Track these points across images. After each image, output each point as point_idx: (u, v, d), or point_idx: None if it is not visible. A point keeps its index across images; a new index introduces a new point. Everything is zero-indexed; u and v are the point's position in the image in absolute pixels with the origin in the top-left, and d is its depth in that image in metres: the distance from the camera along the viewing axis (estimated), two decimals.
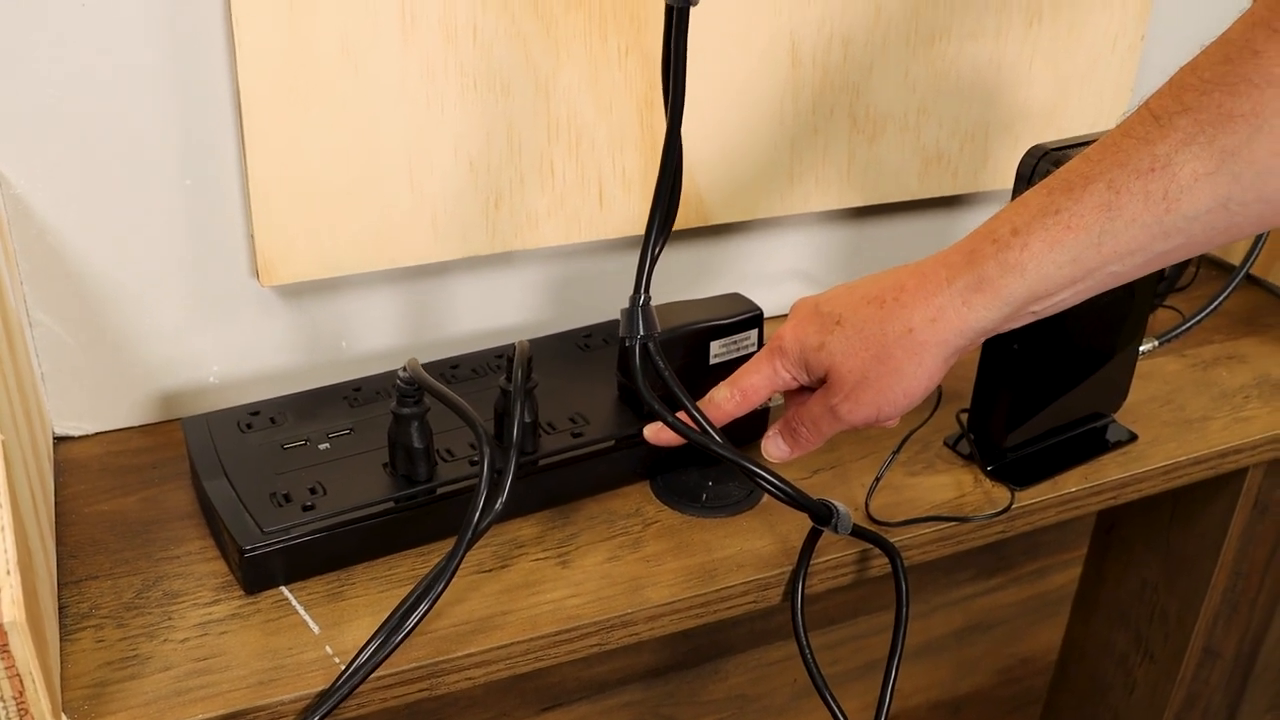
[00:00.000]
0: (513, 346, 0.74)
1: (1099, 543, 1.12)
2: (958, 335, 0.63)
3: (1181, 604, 1.03)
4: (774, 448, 0.71)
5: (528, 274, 0.89)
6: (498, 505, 0.67)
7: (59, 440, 0.81)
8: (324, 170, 0.77)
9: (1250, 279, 1.13)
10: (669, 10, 0.61)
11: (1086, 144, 0.70)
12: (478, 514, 0.64)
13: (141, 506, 0.76)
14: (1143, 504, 1.02)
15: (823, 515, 0.70)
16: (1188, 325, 0.95)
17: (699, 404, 0.70)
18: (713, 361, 0.79)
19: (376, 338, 0.86)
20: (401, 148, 0.79)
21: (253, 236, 0.78)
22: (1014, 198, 0.75)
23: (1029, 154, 0.76)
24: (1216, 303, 0.97)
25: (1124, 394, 0.89)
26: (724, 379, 0.73)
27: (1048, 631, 1.19)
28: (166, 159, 0.75)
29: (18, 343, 0.70)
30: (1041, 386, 0.82)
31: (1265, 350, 1.02)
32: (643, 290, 0.66)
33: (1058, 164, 0.72)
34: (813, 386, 0.69)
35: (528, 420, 0.74)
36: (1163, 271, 1.05)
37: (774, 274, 0.97)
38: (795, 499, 0.68)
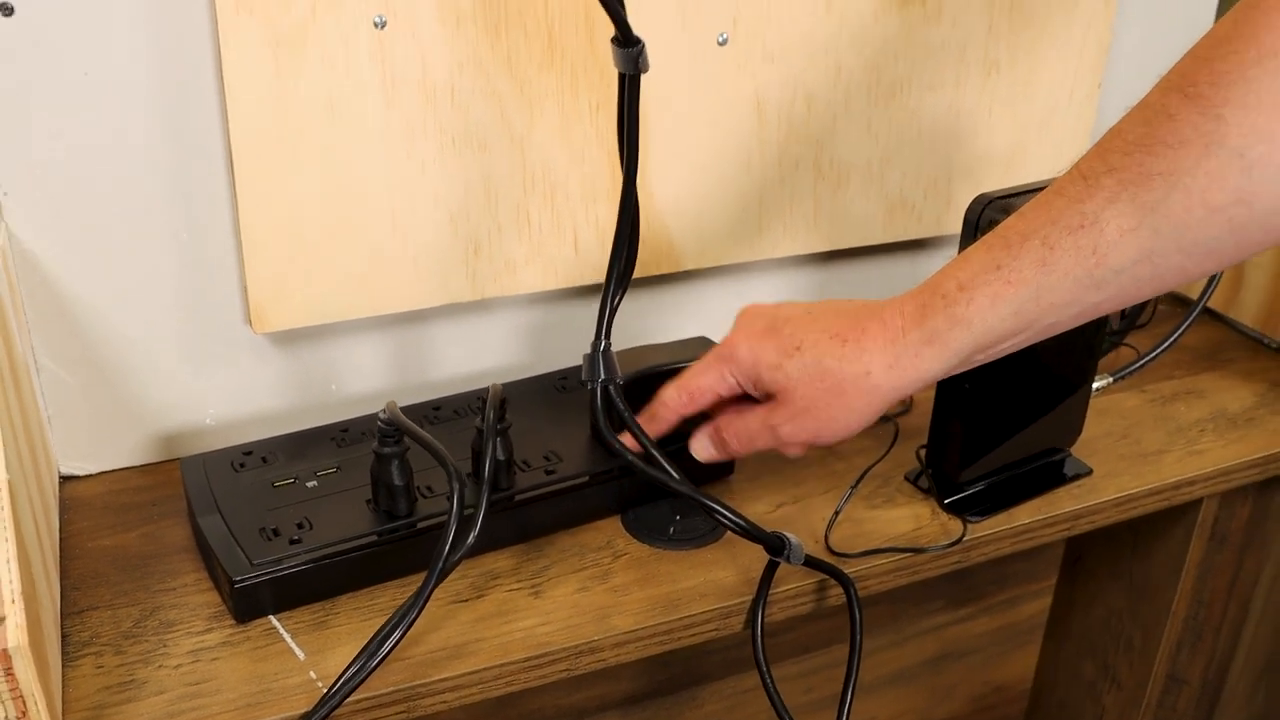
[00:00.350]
0: (489, 389, 0.79)
1: (1067, 573, 1.15)
2: (910, 383, 0.68)
3: (1145, 632, 1.07)
4: (702, 449, 0.77)
5: (508, 319, 0.94)
6: (470, 539, 0.71)
7: (65, 479, 0.86)
8: (312, 224, 0.82)
9: (1213, 315, 1.17)
10: (621, 77, 0.66)
11: (1031, 192, 0.75)
12: (447, 547, 0.68)
13: (141, 541, 0.81)
14: (1106, 535, 1.07)
15: (776, 547, 0.74)
16: (1141, 363, 0.99)
17: (648, 407, 0.74)
18: None
19: (364, 381, 0.91)
20: (385, 201, 0.84)
21: (245, 286, 0.83)
22: (962, 242, 0.81)
23: (975, 201, 0.80)
24: (1170, 340, 1.01)
25: (1079, 429, 0.93)
26: (688, 418, 0.77)
27: (1021, 660, 1.23)
28: (164, 214, 0.80)
29: (25, 387, 0.75)
30: (994, 424, 0.86)
31: (1224, 385, 1.06)
32: (603, 337, 0.71)
33: (1005, 211, 0.77)
34: (756, 398, 0.73)
35: (501, 458, 0.78)
36: (1123, 309, 1.09)
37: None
38: (749, 531, 0.73)
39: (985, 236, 0.67)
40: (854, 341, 0.69)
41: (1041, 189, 0.74)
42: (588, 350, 0.75)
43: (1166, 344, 1.02)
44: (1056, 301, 0.64)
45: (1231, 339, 1.14)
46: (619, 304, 0.71)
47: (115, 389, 0.84)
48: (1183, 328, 1.02)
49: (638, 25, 0.81)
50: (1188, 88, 0.58)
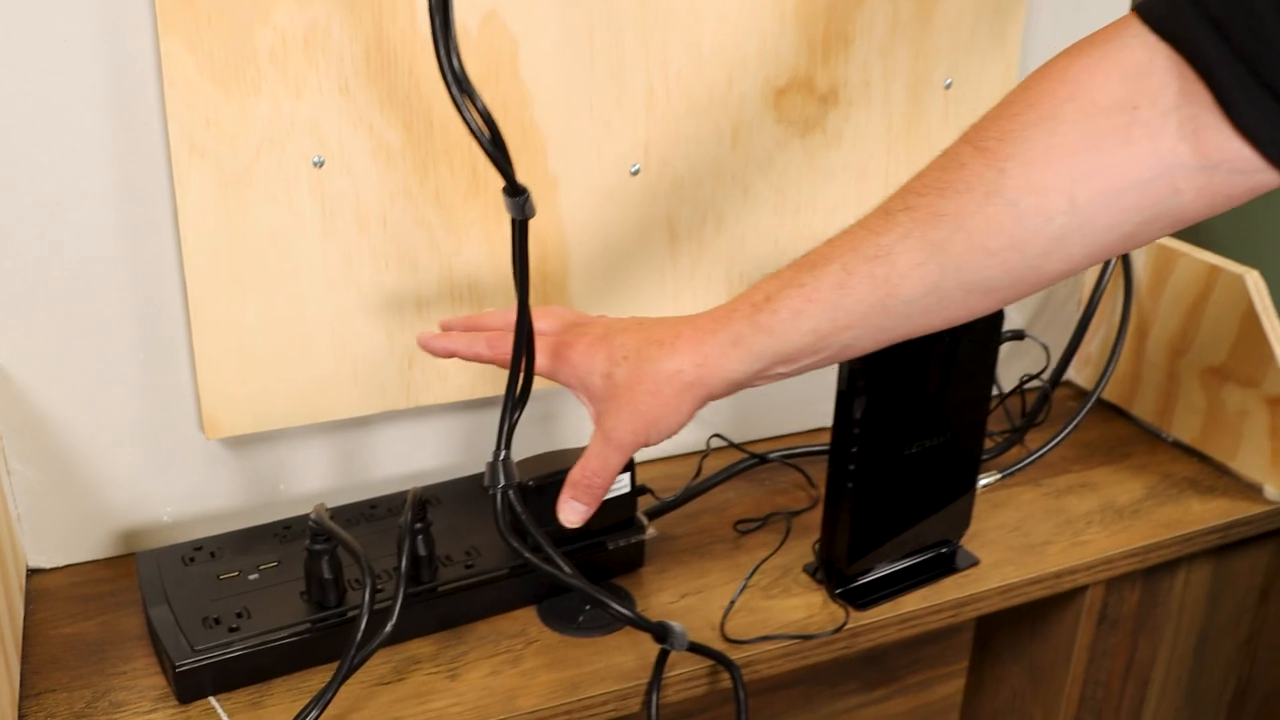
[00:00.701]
0: (414, 490, 0.88)
1: (977, 655, 1.23)
2: (719, 380, 0.74)
3: (1045, 713, 1.14)
4: (570, 513, 0.80)
5: (441, 424, 1.02)
6: (388, 628, 0.80)
7: (32, 572, 0.94)
8: (259, 340, 0.91)
9: (1116, 411, 1.25)
10: (513, 221, 0.75)
11: None
12: (359, 638, 0.77)
13: (99, 629, 0.89)
14: (1009, 619, 1.14)
15: (661, 634, 0.82)
16: (1028, 461, 1.08)
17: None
18: None
19: (309, 481, 1.00)
20: (325, 319, 0.93)
21: (199, 397, 0.92)
22: (840, 369, 0.89)
23: None
24: (1056, 440, 1.09)
25: (967, 523, 1.01)
26: (600, 516, 0.86)
27: None
28: (126, 332, 0.89)
29: None
30: (880, 521, 0.94)
31: (1117, 478, 1.14)
32: (502, 448, 0.79)
33: None
34: (583, 404, 0.80)
35: (423, 554, 0.87)
36: (1023, 407, 1.18)
37: None
38: (634, 620, 0.81)
39: (797, 259, 0.73)
40: (669, 344, 0.75)
41: None
42: (521, 453, 0.84)
43: (1054, 442, 1.10)
44: (851, 323, 0.70)
45: (1132, 433, 1.22)
46: (518, 420, 0.80)
47: (80, 490, 0.93)
48: (1066, 431, 1.11)
49: (555, 157, 0.92)
50: (979, 141, 0.66)
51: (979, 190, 0.65)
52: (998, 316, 0.94)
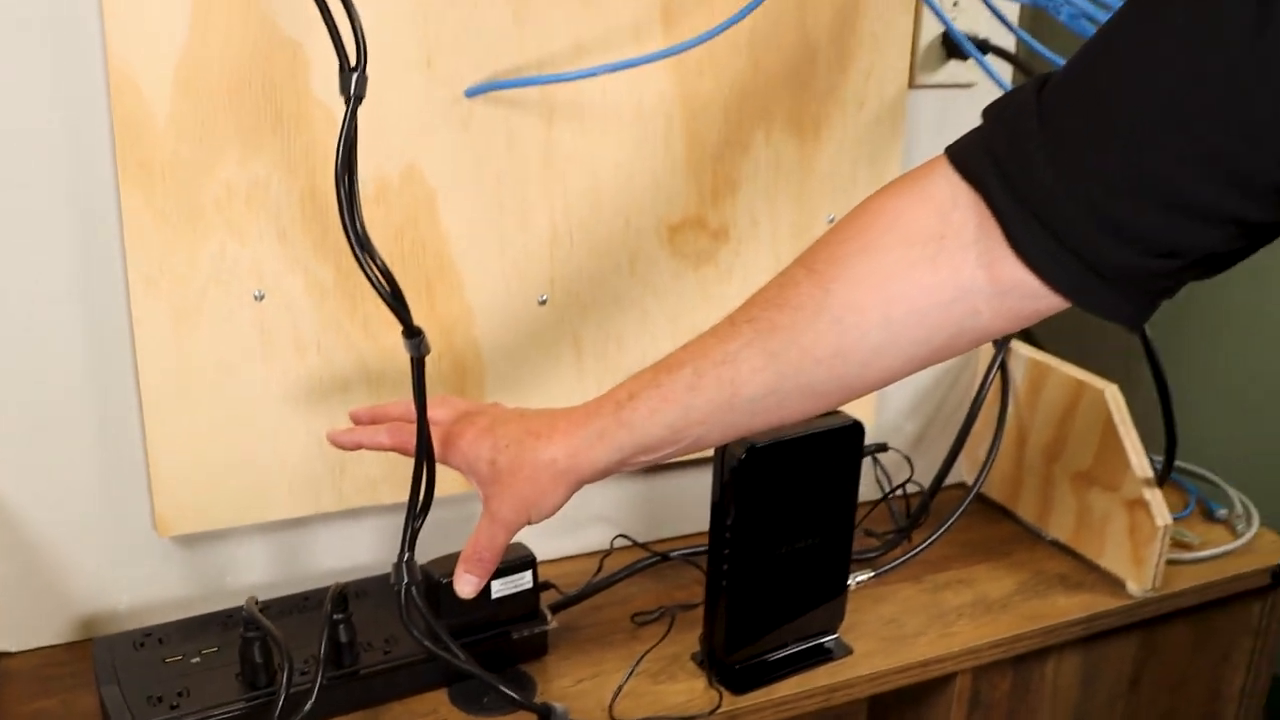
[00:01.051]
0: (336, 585, 1.00)
1: None
2: (587, 469, 0.83)
3: None
4: (464, 584, 0.89)
5: (372, 524, 1.14)
6: (308, 707, 0.92)
7: (0, 655, 1.06)
8: (207, 448, 1.04)
9: (1003, 511, 1.37)
10: (412, 360, 0.87)
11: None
12: (277, 713, 0.88)
13: (59, 707, 1.00)
14: (895, 703, 1.25)
15: (544, 714, 0.94)
16: (900, 561, 1.19)
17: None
18: (494, 596, 1.04)
19: (252, 574, 1.11)
20: (266, 431, 1.05)
21: (153, 498, 1.04)
22: (714, 479, 1.01)
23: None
24: (933, 539, 1.21)
25: (841, 616, 1.12)
26: (506, 609, 0.98)
27: None
28: (87, 441, 1.02)
29: None
30: (754, 615, 1.05)
31: (993, 575, 1.25)
32: (406, 550, 0.91)
33: (748, 449, 0.98)
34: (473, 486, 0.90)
35: (344, 640, 0.98)
36: (890, 507, 1.29)
37: (580, 519, 1.22)
38: (519, 702, 0.92)
39: (658, 361, 0.82)
40: (545, 436, 0.84)
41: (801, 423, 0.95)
42: (445, 549, 0.96)
43: (931, 540, 1.22)
44: (702, 419, 0.79)
45: (1015, 533, 1.34)
46: (420, 527, 0.92)
47: (45, 581, 1.05)
48: (942, 530, 1.23)
49: (471, 291, 1.04)
50: (811, 263, 0.77)
51: (809, 307, 0.76)
52: (859, 433, 1.06)
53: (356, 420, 0.98)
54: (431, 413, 0.92)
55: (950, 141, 0.75)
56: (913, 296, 0.74)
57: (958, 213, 0.73)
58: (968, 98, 1.26)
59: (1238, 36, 0.62)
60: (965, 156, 0.73)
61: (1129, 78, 0.67)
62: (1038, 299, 0.72)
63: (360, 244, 0.83)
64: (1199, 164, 0.65)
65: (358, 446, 0.96)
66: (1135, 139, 0.66)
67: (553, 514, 0.87)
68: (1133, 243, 0.68)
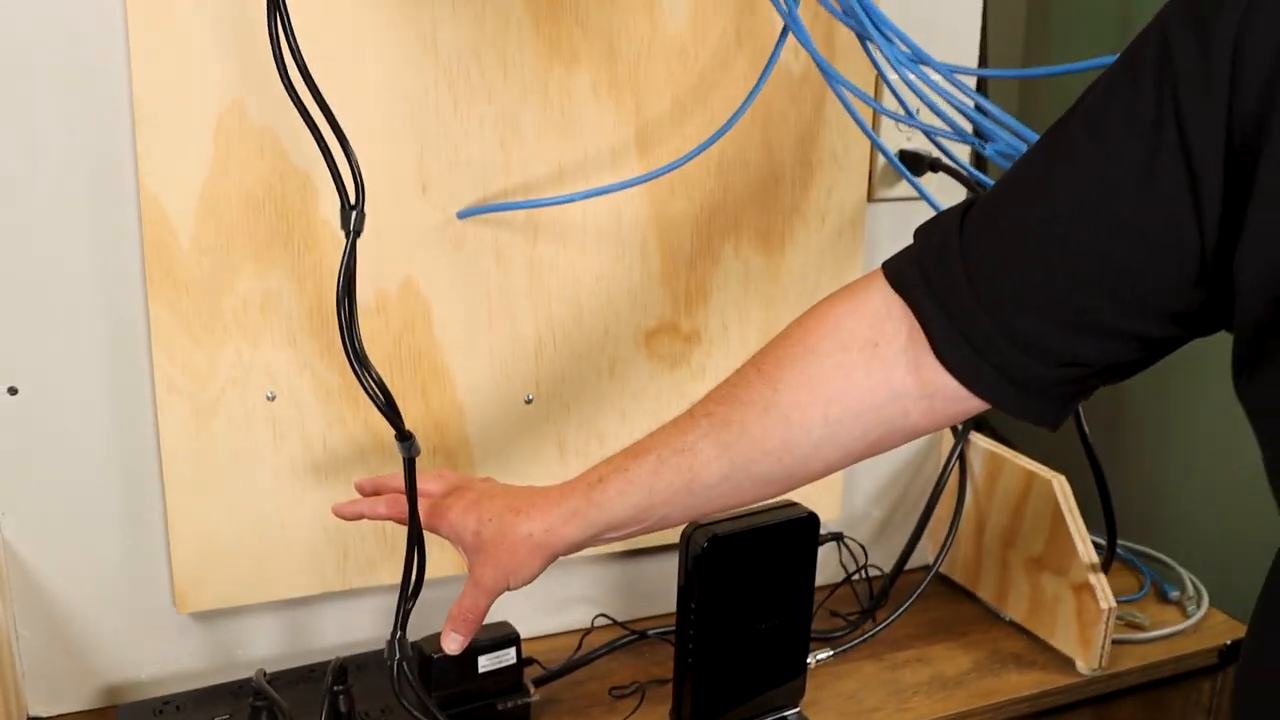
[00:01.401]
0: (337, 659, 1.10)
1: None
2: (562, 543, 0.92)
3: None
4: (450, 642, 0.97)
5: (374, 603, 1.25)
6: None
7: (32, 719, 1.16)
8: (224, 534, 1.15)
9: (965, 593, 1.46)
10: (404, 460, 0.98)
11: (742, 516, 1.06)
12: None
13: None
14: None
15: None
16: (859, 640, 1.29)
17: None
18: (481, 670, 1.14)
19: (265, 647, 1.22)
20: (276, 518, 1.16)
21: (173, 578, 1.15)
22: (680, 559, 1.11)
23: (689, 526, 1.11)
24: (893, 618, 1.30)
25: (802, 693, 1.21)
26: (491, 682, 1.08)
27: None
28: (114, 525, 1.13)
29: (5, 650, 1.07)
30: (718, 690, 1.14)
31: (950, 654, 1.34)
32: (398, 630, 1.01)
33: (710, 539, 1.08)
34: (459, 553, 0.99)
35: (344, 710, 1.08)
36: (854, 588, 1.39)
37: (564, 599, 1.32)
38: None
39: (626, 446, 0.91)
40: (525, 512, 0.93)
41: (759, 514, 1.06)
42: (439, 627, 1.06)
43: (891, 619, 1.31)
44: (664, 501, 0.88)
45: (976, 613, 1.43)
46: (411, 608, 1.02)
47: (74, 652, 1.15)
48: (902, 610, 1.32)
49: (463, 391, 1.15)
50: (761, 364, 0.87)
51: (759, 404, 0.85)
52: (814, 524, 1.16)
53: (360, 490, 1.09)
54: (424, 485, 1.02)
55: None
56: (850, 397, 0.84)
57: (890, 323, 0.83)
58: (924, 209, 1.36)
59: (1129, 176, 0.72)
60: (898, 272, 0.84)
61: (1034, 209, 0.77)
62: (960, 402, 0.82)
63: (358, 359, 0.94)
64: (1097, 288, 0.75)
65: (359, 516, 1.06)
66: (1039, 264, 0.76)
67: (529, 582, 0.96)
68: (1040, 355, 0.78)
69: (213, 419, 1.11)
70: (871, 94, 1.20)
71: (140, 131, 1.03)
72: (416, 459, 0.98)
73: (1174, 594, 1.47)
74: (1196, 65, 0.68)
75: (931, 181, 1.31)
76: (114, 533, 1.13)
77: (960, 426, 1.40)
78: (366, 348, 0.94)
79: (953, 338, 0.80)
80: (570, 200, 1.14)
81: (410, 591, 1.02)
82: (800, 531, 1.15)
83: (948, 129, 1.07)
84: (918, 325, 0.81)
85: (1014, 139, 1.02)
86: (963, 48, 1.34)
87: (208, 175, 1.05)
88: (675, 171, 1.18)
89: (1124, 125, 0.72)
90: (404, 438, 0.97)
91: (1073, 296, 0.75)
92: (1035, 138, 0.97)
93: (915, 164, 1.31)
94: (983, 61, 1.44)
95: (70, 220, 1.05)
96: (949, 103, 1.06)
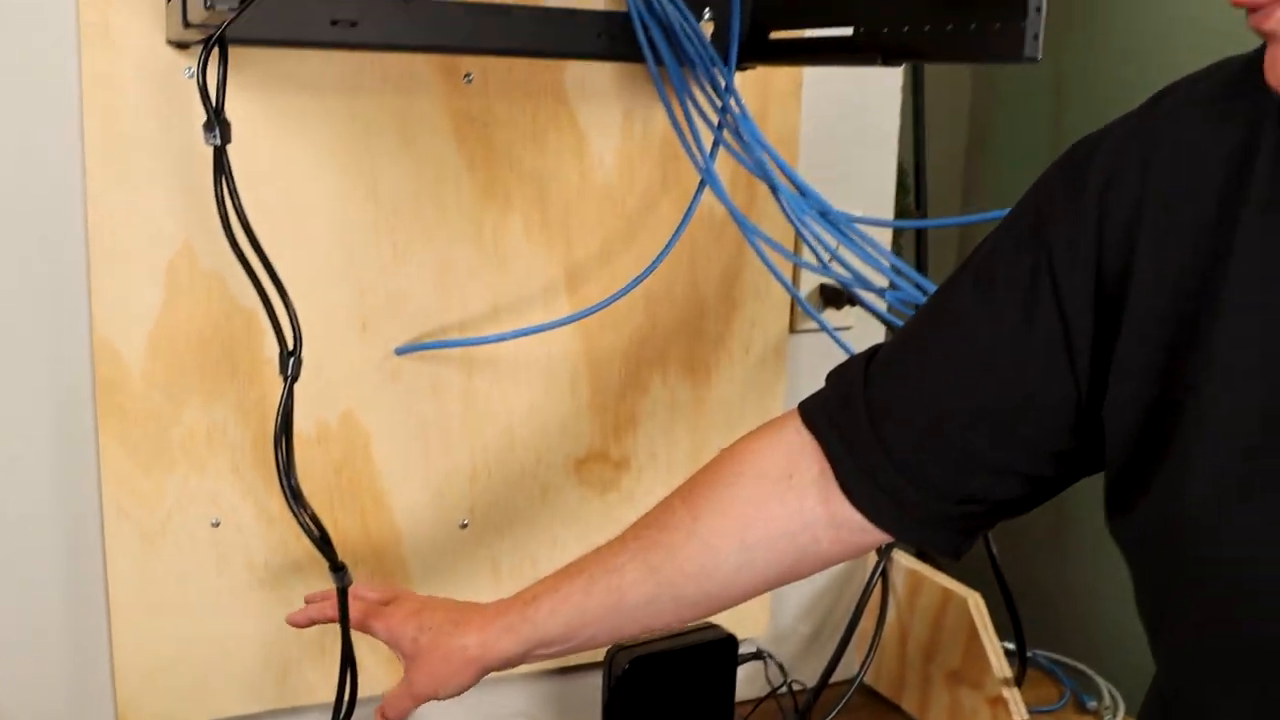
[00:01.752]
0: None
1: None
2: (496, 656, 0.95)
3: None
4: None
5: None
6: None
7: None
8: (167, 653, 1.19)
9: (891, 706, 1.51)
10: (338, 590, 1.03)
11: (663, 639, 1.11)
12: None
13: None
14: None
15: None
16: None
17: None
18: None
19: None
20: (220, 639, 1.20)
21: (116, 697, 1.19)
22: (604, 685, 1.16)
23: (613, 648, 1.16)
24: None
25: None
26: None
27: None
28: (60, 649, 1.17)
29: None
30: None
31: None
32: None
33: (632, 660, 1.13)
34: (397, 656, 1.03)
35: None
36: (779, 703, 1.44)
37: (505, 715, 1.36)
38: None
39: (562, 568, 0.95)
40: (462, 625, 0.96)
41: (679, 636, 1.11)
42: None
43: None
44: (594, 620, 0.92)
45: None
46: None
47: None
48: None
49: (401, 516, 1.21)
50: (686, 494, 0.92)
51: (682, 530, 0.90)
52: (733, 645, 1.21)
53: (309, 602, 1.13)
54: (368, 593, 1.07)
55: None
56: (766, 524, 0.90)
57: (804, 457, 0.90)
58: (845, 339, 1.44)
59: (1010, 327, 0.80)
60: (810, 412, 0.91)
61: (927, 359, 0.86)
62: (866, 533, 0.89)
63: (294, 496, 1.00)
64: (982, 432, 0.82)
65: (310, 623, 1.09)
66: (931, 411, 0.84)
67: (459, 693, 0.99)
68: (935, 491, 0.85)
69: (158, 544, 1.16)
70: (792, 239, 1.28)
71: (94, 275, 1.09)
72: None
73: (1091, 704, 1.52)
74: (1065, 230, 0.77)
75: (852, 314, 1.39)
76: (59, 653, 1.18)
77: (883, 544, 1.46)
78: (309, 475, 1.00)
79: (856, 475, 0.87)
80: (502, 339, 1.20)
81: (343, 713, 1.07)
82: (719, 653, 1.21)
83: (849, 276, 1.15)
84: (827, 461, 0.88)
85: (913, 289, 1.09)
86: (878, 197, 1.42)
87: (159, 315, 1.11)
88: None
89: (1005, 285, 0.80)
90: (337, 568, 1.03)
91: (960, 439, 0.83)
92: (934, 288, 1.05)
93: (836, 297, 1.39)
94: (919, 205, 1.53)
95: (23, 354, 1.10)
96: (854, 253, 1.13)
